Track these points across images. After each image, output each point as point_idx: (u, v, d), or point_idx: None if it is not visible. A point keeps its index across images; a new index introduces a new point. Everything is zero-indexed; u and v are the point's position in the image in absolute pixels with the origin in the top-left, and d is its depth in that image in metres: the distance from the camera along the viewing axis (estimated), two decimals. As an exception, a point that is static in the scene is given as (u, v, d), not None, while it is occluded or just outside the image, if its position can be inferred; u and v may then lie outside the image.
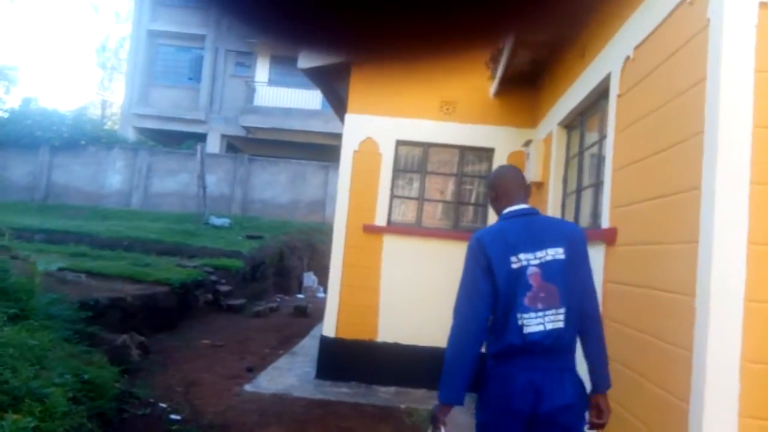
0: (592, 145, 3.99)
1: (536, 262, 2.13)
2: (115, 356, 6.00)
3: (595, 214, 3.70)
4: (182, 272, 9.63)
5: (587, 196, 4.06)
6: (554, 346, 2.08)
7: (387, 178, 6.09)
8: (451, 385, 2.13)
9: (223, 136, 21.93)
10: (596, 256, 3.29)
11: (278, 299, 13.29)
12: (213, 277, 10.68)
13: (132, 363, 6.17)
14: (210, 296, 10.11)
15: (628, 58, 3.09)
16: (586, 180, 4.10)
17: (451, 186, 6.22)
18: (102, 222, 14.92)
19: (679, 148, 2.39)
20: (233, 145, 22.63)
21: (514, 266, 2.12)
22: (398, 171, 6.20)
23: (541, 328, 2.07)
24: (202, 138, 20.93)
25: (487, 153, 6.11)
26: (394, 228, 6.07)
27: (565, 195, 4.68)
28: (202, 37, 21.86)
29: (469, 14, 0.47)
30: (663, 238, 2.52)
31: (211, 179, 18.67)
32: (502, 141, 5.99)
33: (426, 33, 0.49)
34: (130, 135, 22.07)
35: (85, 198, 18.88)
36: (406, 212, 6.26)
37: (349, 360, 5.89)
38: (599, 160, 3.71)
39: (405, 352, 5.56)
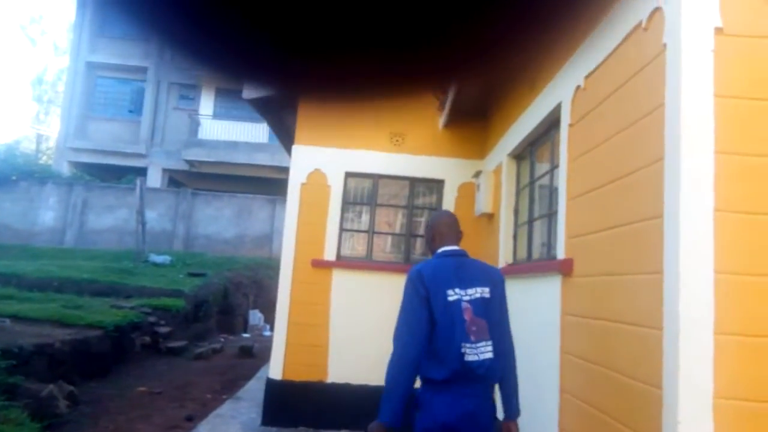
0: (544, 175, 3.95)
1: (467, 297, 2.33)
2: (38, 409, 5.46)
3: (549, 245, 3.63)
4: (117, 314, 9.05)
5: (540, 227, 4.00)
6: (486, 375, 2.30)
7: (336, 211, 5.91)
8: (391, 407, 2.24)
9: (165, 171, 21.25)
10: (551, 287, 3.20)
11: (222, 339, 12.71)
12: (151, 318, 10.10)
13: (59, 416, 5.64)
14: (148, 339, 9.53)
15: (578, 87, 3.07)
16: (538, 210, 4.05)
17: (401, 218, 6.10)
18: (32, 261, 13.99)
19: (637, 175, 2.33)
20: (176, 180, 21.95)
21: (450, 299, 2.31)
22: (347, 203, 6.03)
23: (475, 358, 2.26)
24: (142, 172, 20.20)
25: (437, 184, 6.04)
26: (343, 263, 5.87)
27: (516, 226, 4.63)
28: (144, 69, 21.34)
29: (414, 59, 0.48)
30: (623, 268, 2.44)
31: (151, 215, 17.96)
32: (452, 172, 5.94)
33: (372, 73, 0.50)
34: (66, 170, 21.08)
35: (16, 236, 17.74)
36: (356, 246, 6.08)
37: (298, 403, 5.57)
38: (551, 190, 3.66)
39: (357, 393, 5.29)
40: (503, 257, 4.69)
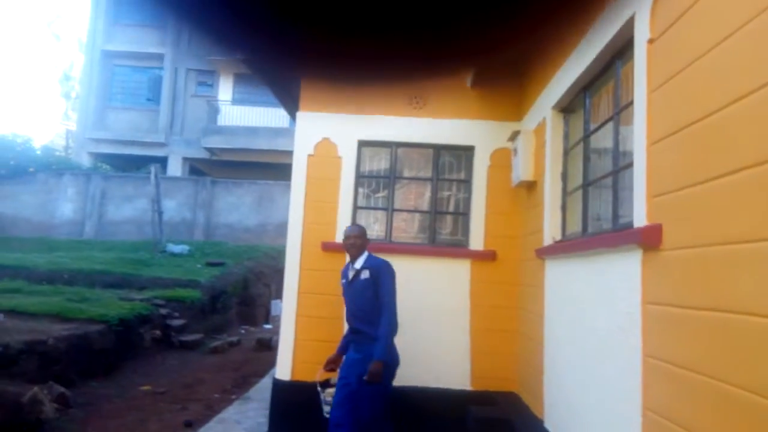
0: (605, 123, 3.08)
1: None
2: (16, 416, 4.85)
3: (616, 212, 2.76)
4: (124, 307, 8.46)
5: (601, 191, 3.14)
6: None
7: (349, 186, 5.12)
8: (388, 350, 3.59)
9: (185, 159, 20.77)
10: (626, 267, 2.35)
11: (242, 331, 12.11)
12: (164, 311, 9.50)
13: (42, 422, 5.02)
14: (159, 332, 8.93)
15: (661, -12, 2.19)
16: (599, 170, 3.18)
17: (425, 193, 5.27)
18: (47, 254, 13.58)
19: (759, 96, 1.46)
20: (196, 168, 21.47)
21: None
22: (362, 177, 5.23)
23: None
24: (162, 161, 19.73)
25: (466, 152, 5.18)
26: (359, 245, 5.07)
27: (565, 194, 3.77)
28: (161, 56, 20.81)
29: (435, 40, 0.47)
30: (749, 233, 1.59)
31: (170, 204, 17.49)
32: (483, 137, 5.08)
33: (390, 55, 0.49)
34: (85, 161, 20.77)
35: (35, 229, 17.48)
36: (374, 226, 5.28)
37: (309, 407, 4.82)
38: (619, 139, 2.79)
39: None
40: (549, 233, 3.83)
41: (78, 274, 11.26)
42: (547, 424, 3.66)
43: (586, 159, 3.32)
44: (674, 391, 1.95)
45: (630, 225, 2.45)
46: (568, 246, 3.32)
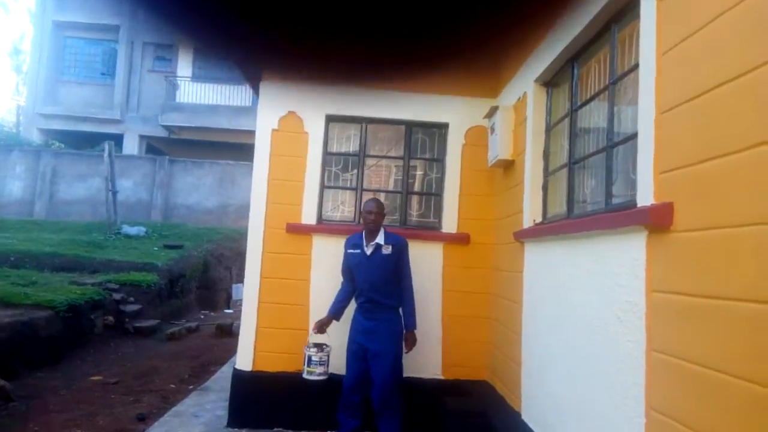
0: (597, 95, 2.84)
1: None
2: (-55, 413, 4.41)
3: (610, 191, 2.53)
4: (74, 291, 7.95)
5: (592, 169, 2.91)
6: None
7: (316, 164, 4.79)
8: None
9: (142, 137, 19.91)
10: (628, 250, 2.13)
11: (202, 316, 11.68)
12: (117, 296, 9.01)
13: (-24, 419, 4.59)
14: (111, 319, 8.45)
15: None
16: (590, 145, 2.94)
17: (396, 172, 4.98)
18: (-8, 235, 12.79)
19: None
20: (154, 147, 20.63)
21: None
22: (330, 155, 4.91)
23: None
24: (118, 139, 18.86)
25: (440, 129, 4.91)
26: (326, 227, 4.78)
27: (546, 173, 3.54)
28: (116, 28, 19.78)
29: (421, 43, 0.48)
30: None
31: (127, 184, 16.76)
32: (458, 114, 4.81)
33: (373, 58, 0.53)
34: (36, 138, 19.71)
35: (-21, 209, 16.51)
36: (342, 207, 4.98)
37: (272, 399, 4.54)
38: (616, 111, 2.55)
39: (336, 385, 4.22)
40: (529, 215, 3.61)
41: (26, 257, 10.60)
42: (524, 417, 3.46)
43: (573, 135, 3.09)
44: (686, 390, 1.74)
45: (627, 205, 2.23)
46: (552, 228, 3.09)
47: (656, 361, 1.92)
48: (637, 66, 2.20)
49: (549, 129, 3.54)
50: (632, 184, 2.49)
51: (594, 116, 2.93)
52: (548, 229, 3.16)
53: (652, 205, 1.94)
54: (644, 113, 2.06)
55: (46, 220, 15.99)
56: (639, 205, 2.05)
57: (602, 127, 2.77)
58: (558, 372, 2.83)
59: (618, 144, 2.48)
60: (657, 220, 1.89)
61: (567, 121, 3.19)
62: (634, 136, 2.23)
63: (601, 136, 2.78)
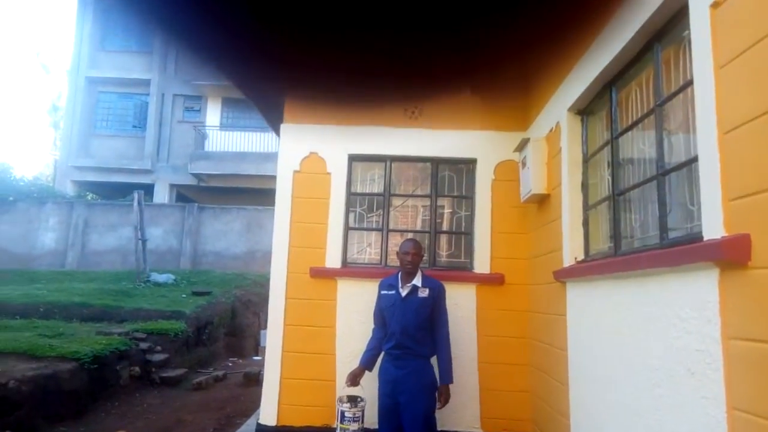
0: (642, 120, 2.60)
1: None
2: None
3: (663, 222, 2.27)
4: (100, 342, 7.82)
5: (639, 201, 2.64)
6: None
7: (340, 205, 4.61)
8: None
9: (172, 186, 20.22)
10: (695, 291, 1.84)
11: (230, 364, 11.43)
12: (144, 345, 8.85)
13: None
14: (138, 369, 8.27)
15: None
16: (633, 176, 2.69)
17: (423, 211, 4.77)
18: (24, 286, 12.91)
19: None
20: (183, 195, 20.91)
21: None
22: (354, 195, 4.73)
23: None
24: (149, 189, 19.18)
25: (467, 166, 4.71)
26: (352, 270, 4.56)
27: (586, 207, 3.27)
28: (146, 82, 20.40)
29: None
30: None
31: (156, 232, 16.90)
32: (486, 149, 4.61)
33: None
34: (69, 190, 20.18)
35: (15, 261, 16.77)
36: (367, 249, 4.76)
37: (298, 457, 4.24)
38: (663, 137, 2.30)
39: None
40: (569, 252, 3.33)
41: (55, 307, 10.61)
42: (576, 477, 3.11)
43: (615, 165, 2.84)
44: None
45: (690, 238, 1.96)
46: (597, 266, 2.81)
47: (738, 422, 1.61)
48: (687, 85, 1.97)
49: (586, 160, 3.30)
50: (690, 216, 2.23)
51: (638, 143, 2.68)
52: (593, 267, 2.88)
53: (723, 237, 1.68)
54: (704, 134, 1.81)
55: (77, 270, 16.15)
56: (706, 238, 1.78)
57: (648, 155, 2.52)
58: (618, 428, 2.51)
59: (671, 171, 2.23)
60: (731, 255, 1.62)
61: (607, 150, 2.95)
62: (691, 161, 1.99)
63: (648, 164, 2.53)
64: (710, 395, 1.75)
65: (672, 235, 2.22)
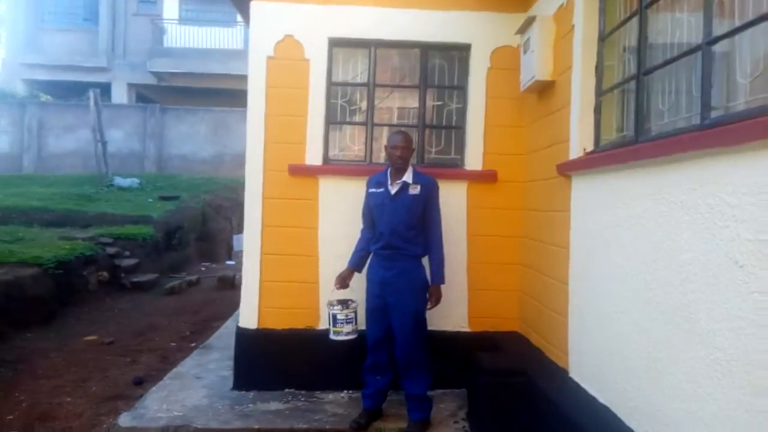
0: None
1: None
2: None
3: (706, 101, 1.97)
4: (63, 247, 7.47)
5: (665, 81, 2.33)
6: None
7: (319, 96, 4.19)
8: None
9: (131, 85, 19.05)
10: (749, 172, 1.58)
11: (202, 269, 11.27)
12: (111, 250, 8.54)
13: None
14: (106, 274, 8.01)
15: None
16: (664, 54, 2.35)
17: (411, 103, 4.39)
18: (-23, 191, 12.22)
19: None
20: (144, 95, 19.77)
21: None
22: (335, 85, 4.30)
23: None
24: (106, 88, 18.00)
25: (460, 52, 4.29)
26: (334, 167, 4.23)
27: (599, 92, 2.95)
28: (95, -32, 18.57)
29: None
30: None
31: (117, 134, 16.08)
32: (482, 32, 4.17)
33: None
34: (20, 89, 18.84)
35: (-35, 164, 15.87)
36: (350, 144, 4.41)
37: (280, 359, 4.11)
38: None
39: (361, 341, 3.76)
40: (577, 143, 3.05)
41: (12, 212, 10.10)
42: (574, 375, 3.02)
43: (644, 39, 2.48)
44: None
45: (739, 116, 1.67)
46: (615, 156, 2.53)
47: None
48: None
49: (603, 38, 2.94)
50: (736, 91, 1.94)
51: (675, 12, 2.33)
52: (608, 157, 2.61)
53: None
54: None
55: (35, 174, 15.40)
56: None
57: (688, 24, 2.18)
58: (629, 329, 2.35)
59: (722, 38, 1.90)
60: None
61: (635, 22, 2.58)
62: (748, 25, 1.66)
63: (687, 34, 2.20)
64: (765, 288, 1.54)
65: (714, 114, 1.93)
